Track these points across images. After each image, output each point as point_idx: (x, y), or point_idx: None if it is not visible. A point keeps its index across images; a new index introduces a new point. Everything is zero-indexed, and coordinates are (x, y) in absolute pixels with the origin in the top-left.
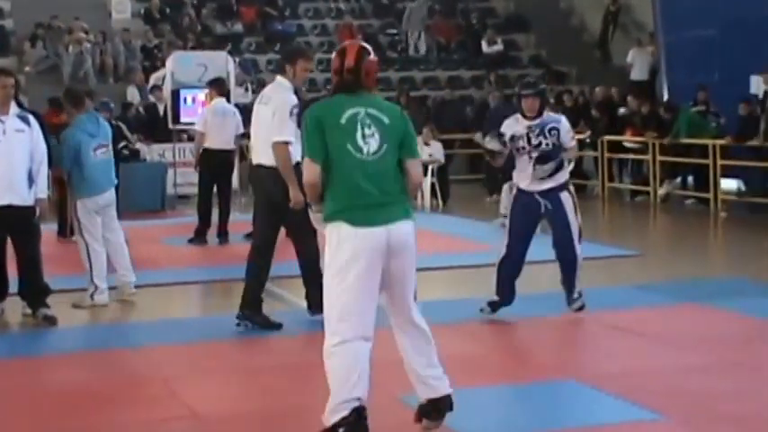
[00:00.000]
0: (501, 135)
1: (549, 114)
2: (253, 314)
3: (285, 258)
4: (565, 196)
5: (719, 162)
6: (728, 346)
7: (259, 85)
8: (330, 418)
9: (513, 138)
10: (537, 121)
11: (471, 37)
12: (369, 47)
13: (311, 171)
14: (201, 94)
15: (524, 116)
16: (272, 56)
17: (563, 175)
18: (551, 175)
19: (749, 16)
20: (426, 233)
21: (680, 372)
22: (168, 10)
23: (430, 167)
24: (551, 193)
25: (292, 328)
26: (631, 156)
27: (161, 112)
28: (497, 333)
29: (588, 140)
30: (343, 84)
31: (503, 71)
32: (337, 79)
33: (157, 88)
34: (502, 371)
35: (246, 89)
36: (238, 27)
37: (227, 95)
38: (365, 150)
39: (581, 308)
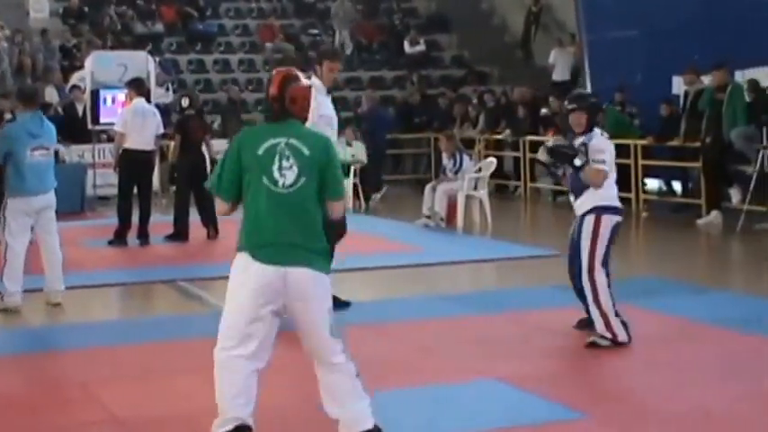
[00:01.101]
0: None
1: (595, 131)
2: None
3: (204, 259)
4: (587, 220)
5: (641, 162)
6: (649, 345)
7: (180, 86)
8: (217, 431)
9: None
10: (583, 138)
11: (393, 37)
12: (297, 74)
13: (221, 207)
14: (121, 95)
15: (574, 133)
16: (192, 56)
17: (596, 199)
18: (584, 196)
19: (671, 17)
20: (348, 233)
21: (602, 371)
22: (87, 9)
23: (352, 168)
24: (581, 219)
25: (211, 330)
26: None
27: (80, 113)
28: (420, 334)
29: (509, 140)
30: (269, 111)
31: (425, 71)
32: (265, 106)
33: (77, 88)
34: (426, 372)
35: (167, 89)
36: (159, 27)
37: (146, 95)
38: (280, 183)
39: (592, 343)
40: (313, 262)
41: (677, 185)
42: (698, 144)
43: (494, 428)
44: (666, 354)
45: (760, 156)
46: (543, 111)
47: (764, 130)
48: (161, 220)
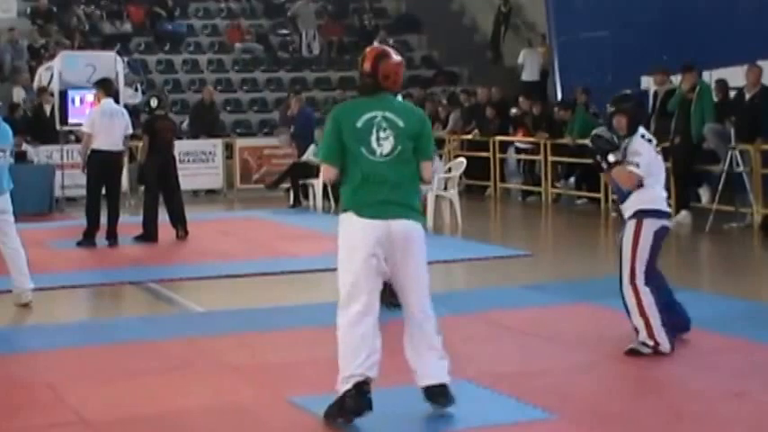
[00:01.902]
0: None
1: (640, 131)
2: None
3: (173, 260)
4: (629, 225)
5: None
6: (619, 345)
7: (148, 86)
8: (340, 389)
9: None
10: (626, 141)
11: (363, 37)
12: (389, 50)
13: (328, 173)
14: (90, 95)
15: (618, 136)
16: (161, 56)
17: (639, 203)
18: (628, 201)
19: (640, 18)
20: (318, 235)
21: (572, 371)
22: (55, 9)
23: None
24: (625, 224)
25: (180, 330)
26: (523, 156)
27: (48, 113)
28: (388, 335)
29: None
30: (363, 87)
31: None
32: (360, 82)
33: (45, 91)
34: (395, 372)
35: (136, 89)
36: (127, 27)
37: (115, 96)
38: (378, 152)
39: (632, 351)
40: (411, 215)
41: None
42: (667, 144)
43: (464, 429)
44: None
45: (729, 156)
46: (513, 111)
47: (733, 129)
48: (130, 221)
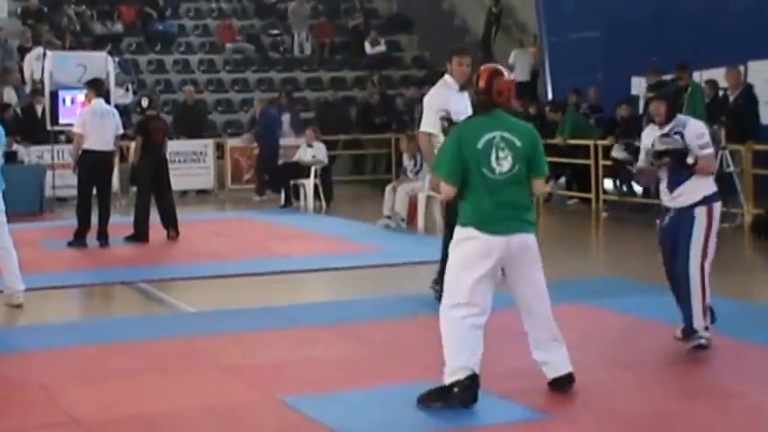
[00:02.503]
0: (629, 145)
1: (680, 117)
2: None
3: (164, 261)
4: (700, 212)
5: (601, 162)
6: (609, 345)
7: (139, 86)
8: (448, 379)
9: (648, 149)
10: (666, 128)
11: (354, 38)
12: (502, 68)
13: (447, 191)
14: (81, 95)
15: (655, 123)
16: (152, 56)
17: (702, 188)
18: (684, 187)
19: (631, 18)
20: (309, 235)
21: None
22: (46, 9)
23: (313, 169)
24: (685, 211)
25: (171, 330)
26: None
27: (39, 114)
28: (381, 334)
29: None
30: (479, 103)
31: (386, 72)
32: (476, 99)
33: (38, 92)
34: (387, 371)
35: (127, 90)
36: (118, 27)
37: (106, 96)
38: (497, 171)
39: (699, 346)
40: (528, 229)
41: (637, 186)
42: None
43: (456, 429)
44: (626, 353)
45: (719, 156)
46: None
47: (723, 130)
48: (120, 222)
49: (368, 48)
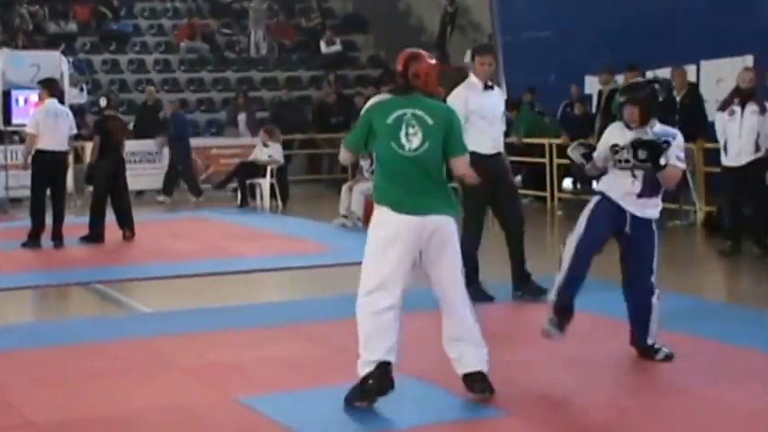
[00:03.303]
0: (588, 145)
1: (662, 127)
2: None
3: (120, 261)
4: (655, 229)
5: (556, 161)
6: (568, 342)
7: (94, 86)
8: (361, 371)
9: (615, 148)
10: (657, 131)
11: (310, 37)
12: (422, 53)
13: (344, 156)
14: (34, 95)
15: (629, 126)
16: (107, 56)
17: (658, 207)
18: (652, 200)
19: (584, 19)
20: (266, 234)
21: (521, 368)
22: None
23: (269, 168)
24: (644, 223)
25: (128, 331)
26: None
27: None
28: (336, 333)
29: None
30: (396, 86)
31: (341, 71)
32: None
33: None
34: (342, 371)
35: (81, 89)
36: (72, 26)
37: (60, 96)
38: (407, 147)
39: (668, 355)
40: (443, 210)
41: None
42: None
43: (413, 427)
44: (586, 350)
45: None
46: None
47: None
48: (75, 222)
49: (323, 47)
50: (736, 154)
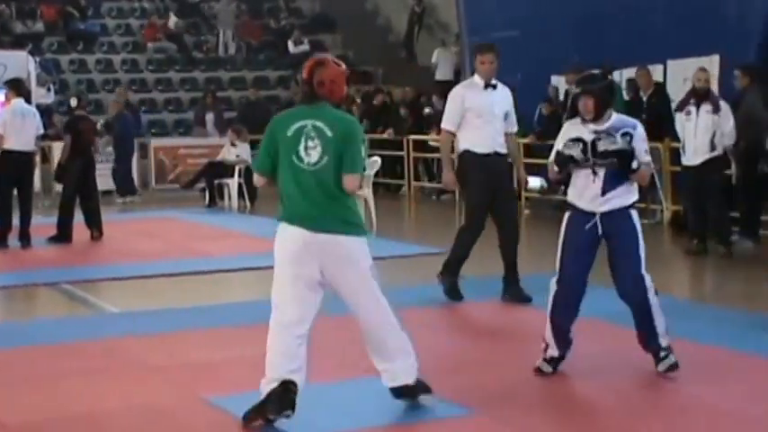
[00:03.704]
0: (579, 140)
1: (619, 116)
2: (447, 277)
3: (88, 261)
4: (634, 215)
5: (523, 160)
6: (533, 340)
7: (61, 86)
8: (263, 390)
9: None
10: (605, 125)
11: (278, 37)
12: (329, 59)
13: (257, 180)
14: (0, 95)
15: (584, 119)
16: (74, 56)
17: (632, 193)
18: (617, 191)
19: (550, 18)
20: (234, 234)
21: (489, 367)
22: None
23: (237, 168)
24: (616, 215)
25: (96, 332)
26: (437, 155)
27: None
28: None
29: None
30: (302, 94)
31: None
32: (301, 90)
33: None
34: (310, 370)
35: (48, 89)
36: (39, 26)
37: (26, 96)
38: (306, 161)
39: (672, 367)
40: (340, 228)
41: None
42: None
43: (381, 426)
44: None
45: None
46: (426, 110)
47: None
48: (42, 222)
49: (291, 47)
50: (693, 153)
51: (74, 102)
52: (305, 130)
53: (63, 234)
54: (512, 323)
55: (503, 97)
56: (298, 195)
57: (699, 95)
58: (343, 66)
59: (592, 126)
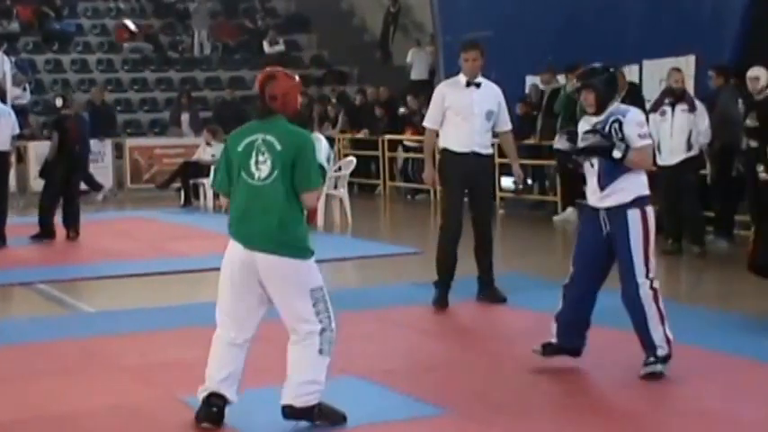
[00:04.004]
0: (572, 133)
1: (620, 106)
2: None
3: (64, 261)
4: (633, 216)
5: (498, 160)
6: (507, 340)
7: (37, 86)
8: (198, 396)
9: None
10: (602, 117)
11: (254, 37)
12: (280, 72)
13: (222, 201)
14: None
15: (588, 114)
16: (50, 55)
17: (635, 187)
18: (617, 184)
19: (524, 17)
20: (209, 234)
21: (462, 366)
22: None
23: (212, 168)
24: (616, 211)
25: (71, 331)
26: (411, 155)
27: None
28: (280, 333)
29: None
30: (256, 108)
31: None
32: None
33: None
34: (283, 370)
35: (24, 89)
36: (15, 26)
37: (1, 96)
38: (256, 176)
39: (651, 374)
40: (282, 249)
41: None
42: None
43: (356, 426)
44: (526, 348)
45: None
46: (401, 110)
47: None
48: (18, 222)
49: (266, 47)
50: (669, 153)
51: (59, 102)
52: (255, 144)
53: (46, 231)
54: (486, 323)
55: (486, 96)
56: (242, 212)
57: (674, 96)
58: (296, 78)
59: (593, 119)
